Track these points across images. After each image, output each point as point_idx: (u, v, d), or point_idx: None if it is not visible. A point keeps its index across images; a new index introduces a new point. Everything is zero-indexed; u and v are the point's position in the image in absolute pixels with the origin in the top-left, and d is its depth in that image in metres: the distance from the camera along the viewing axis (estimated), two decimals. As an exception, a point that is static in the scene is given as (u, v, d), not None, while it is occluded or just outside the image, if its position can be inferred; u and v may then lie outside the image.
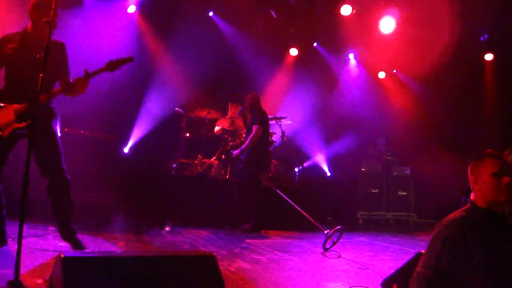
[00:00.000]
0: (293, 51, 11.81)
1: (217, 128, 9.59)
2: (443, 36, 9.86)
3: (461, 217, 2.72)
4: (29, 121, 3.69)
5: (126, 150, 9.86)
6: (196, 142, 9.53)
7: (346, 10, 9.95)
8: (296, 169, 10.92)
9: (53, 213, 4.43)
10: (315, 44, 12.10)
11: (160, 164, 9.57)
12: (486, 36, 10.53)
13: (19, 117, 4.06)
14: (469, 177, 2.85)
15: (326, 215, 9.70)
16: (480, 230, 2.66)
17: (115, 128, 9.25)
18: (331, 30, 11.29)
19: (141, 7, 9.95)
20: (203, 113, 9.46)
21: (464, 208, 2.80)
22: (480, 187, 2.77)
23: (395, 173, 10.57)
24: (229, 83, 10.75)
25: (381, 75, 12.82)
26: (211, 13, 10.72)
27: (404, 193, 10.17)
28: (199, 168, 9.05)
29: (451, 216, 2.77)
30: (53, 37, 3.91)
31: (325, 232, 6.10)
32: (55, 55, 4.12)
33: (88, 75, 4.15)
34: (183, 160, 9.38)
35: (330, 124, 11.83)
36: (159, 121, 10.06)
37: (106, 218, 7.18)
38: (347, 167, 11.04)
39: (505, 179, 2.68)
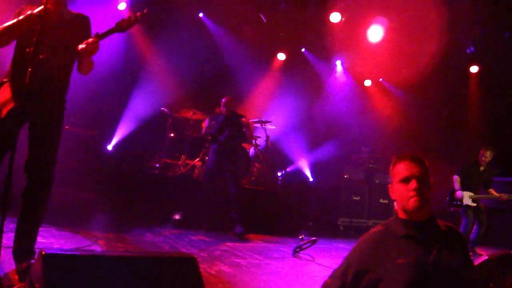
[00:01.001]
0: (281, 56, 11.89)
1: (202, 129, 9.59)
2: (430, 46, 9.95)
3: (378, 231, 2.48)
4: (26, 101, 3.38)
5: (109, 147, 9.79)
6: (180, 143, 9.51)
7: (335, 17, 10.02)
8: (279, 174, 10.96)
9: (19, 221, 3.59)
10: (303, 50, 12.17)
11: (143, 163, 9.52)
12: (472, 48, 10.65)
13: (16, 94, 3.50)
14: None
15: (307, 220, 9.79)
16: (392, 244, 2.38)
17: (99, 125, 9.19)
18: (319, 36, 11.35)
19: (131, 5, 9.91)
20: (189, 114, 9.43)
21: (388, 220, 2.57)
22: (394, 195, 2.52)
23: (377, 181, 10.63)
24: (216, 84, 10.74)
25: (367, 83, 12.94)
26: (201, 14, 10.71)
27: (386, 201, 10.23)
28: (182, 169, 9.02)
29: (371, 230, 2.55)
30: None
31: (300, 237, 6.14)
32: (76, 30, 3.82)
33: (98, 36, 3.61)
34: (167, 160, 9.34)
35: (314, 130, 11.91)
36: (144, 120, 10.01)
37: (87, 215, 7.11)
38: (330, 173, 11.08)
39: (412, 184, 2.40)
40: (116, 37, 9.52)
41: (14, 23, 3.56)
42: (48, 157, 3.71)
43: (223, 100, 7.66)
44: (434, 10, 9.05)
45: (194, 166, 9.08)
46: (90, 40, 3.57)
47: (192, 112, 9.38)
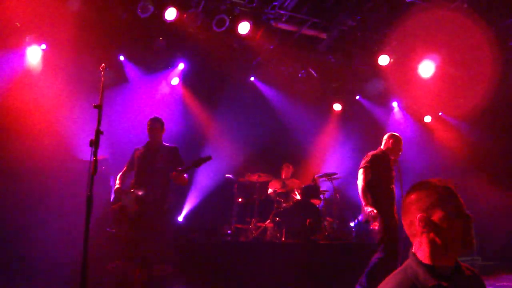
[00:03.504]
0: (337, 106, 11.93)
1: (269, 191, 9.65)
2: (485, 73, 9.70)
3: (401, 282, 2.07)
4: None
5: (180, 219, 9.98)
6: (249, 207, 9.55)
7: (384, 60, 9.99)
8: (352, 224, 10.75)
9: None
10: (357, 97, 12.17)
11: (214, 231, 9.60)
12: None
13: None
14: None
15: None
16: None
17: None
18: (371, 81, 11.34)
19: (184, 79, 10.34)
20: (254, 177, 9.51)
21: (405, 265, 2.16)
22: (436, 231, 2.09)
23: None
24: (277, 144, 10.84)
25: (427, 119, 12.68)
26: (252, 78, 10.97)
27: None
28: (254, 232, 9.03)
29: (391, 280, 2.11)
30: (104, 118, 4.10)
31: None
32: (167, 156, 6.02)
33: (179, 171, 5.66)
34: (238, 226, 9.40)
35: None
36: (211, 189, 10.20)
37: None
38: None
39: (470, 222, 2.08)
40: (174, 111, 9.96)
41: (129, 160, 6.22)
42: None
43: None
44: (484, 39, 8.89)
45: (265, 228, 9.07)
46: (173, 174, 5.65)
47: (257, 175, 9.46)
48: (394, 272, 2.14)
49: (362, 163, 6.21)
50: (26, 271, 6.60)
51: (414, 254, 2.12)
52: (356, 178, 6.11)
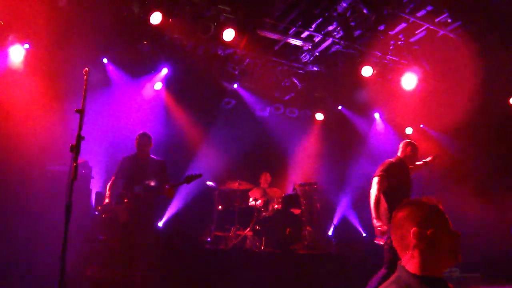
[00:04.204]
0: (319, 116, 11.95)
1: (250, 199, 9.63)
2: (467, 86, 9.78)
3: None
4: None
5: (160, 224, 9.89)
6: (229, 214, 9.49)
7: (367, 71, 10.03)
8: (330, 231, 10.77)
9: None
10: (340, 107, 12.23)
11: (194, 238, 9.53)
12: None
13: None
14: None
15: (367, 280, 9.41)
16: None
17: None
18: (353, 92, 11.38)
19: (167, 84, 10.26)
20: (235, 185, 9.48)
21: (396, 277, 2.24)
22: (429, 244, 2.20)
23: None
24: (259, 152, 10.81)
25: (408, 130, 12.76)
26: (235, 85, 10.94)
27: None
28: (233, 240, 8.98)
29: None
30: (86, 121, 3.97)
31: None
32: (155, 169, 6.50)
33: (172, 186, 6.30)
34: (218, 233, 9.34)
35: (360, 186, 11.71)
36: (191, 195, 10.13)
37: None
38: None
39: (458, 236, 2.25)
40: (155, 115, 9.86)
41: (118, 170, 6.63)
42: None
43: None
44: (466, 53, 8.98)
45: (245, 237, 9.03)
46: (167, 188, 6.25)
47: (237, 183, 9.43)
48: (384, 284, 2.22)
49: (378, 171, 5.86)
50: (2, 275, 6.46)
51: (403, 267, 2.22)
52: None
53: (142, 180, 6.39)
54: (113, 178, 6.66)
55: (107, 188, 6.54)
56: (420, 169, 6.63)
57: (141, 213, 6.26)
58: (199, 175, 6.33)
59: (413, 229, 2.20)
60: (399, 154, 6.30)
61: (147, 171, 6.45)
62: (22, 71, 8.36)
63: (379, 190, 5.70)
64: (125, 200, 6.31)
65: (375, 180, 5.80)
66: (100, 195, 8.62)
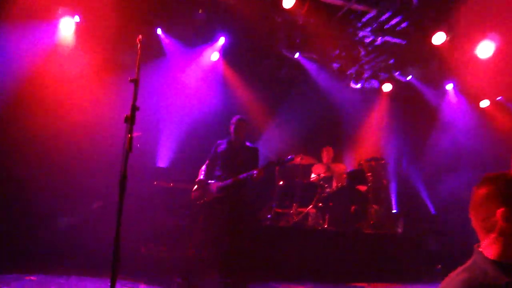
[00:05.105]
0: (386, 87, 11.18)
1: (313, 176, 9.19)
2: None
3: (468, 280, 1.86)
4: None
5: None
6: (290, 190, 9.07)
7: (439, 38, 9.26)
8: (397, 209, 10.23)
9: None
10: (409, 77, 11.40)
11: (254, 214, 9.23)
12: None
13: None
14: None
15: (435, 263, 8.82)
16: None
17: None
18: (424, 61, 10.62)
19: (224, 54, 9.96)
20: (297, 160, 9.02)
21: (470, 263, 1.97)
22: None
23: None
24: (322, 126, 10.33)
25: (484, 103, 11.83)
26: (297, 55, 10.40)
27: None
28: (295, 217, 8.60)
29: (453, 278, 1.92)
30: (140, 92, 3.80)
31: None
32: (247, 155, 6.38)
33: (265, 168, 6.05)
34: (278, 210, 8.97)
35: (433, 162, 10.99)
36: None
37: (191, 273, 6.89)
38: (457, 207, 10.02)
39: None
40: (213, 87, 9.61)
41: (212, 155, 6.54)
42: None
43: None
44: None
45: (307, 214, 8.63)
46: (256, 172, 5.95)
47: (300, 158, 8.96)
48: (455, 271, 1.95)
49: None
50: (59, 252, 6.45)
51: (480, 252, 1.93)
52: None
53: (235, 165, 6.31)
54: (207, 161, 6.61)
55: (201, 171, 6.54)
56: None
57: (238, 202, 6.30)
58: (292, 159, 6.25)
59: (501, 209, 1.88)
60: None
61: (240, 157, 6.37)
62: (73, 44, 8.28)
63: None
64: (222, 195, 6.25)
65: None
66: (157, 170, 8.50)
